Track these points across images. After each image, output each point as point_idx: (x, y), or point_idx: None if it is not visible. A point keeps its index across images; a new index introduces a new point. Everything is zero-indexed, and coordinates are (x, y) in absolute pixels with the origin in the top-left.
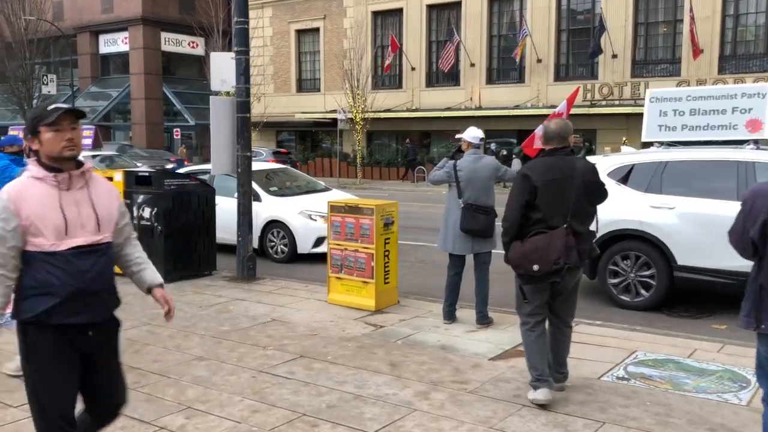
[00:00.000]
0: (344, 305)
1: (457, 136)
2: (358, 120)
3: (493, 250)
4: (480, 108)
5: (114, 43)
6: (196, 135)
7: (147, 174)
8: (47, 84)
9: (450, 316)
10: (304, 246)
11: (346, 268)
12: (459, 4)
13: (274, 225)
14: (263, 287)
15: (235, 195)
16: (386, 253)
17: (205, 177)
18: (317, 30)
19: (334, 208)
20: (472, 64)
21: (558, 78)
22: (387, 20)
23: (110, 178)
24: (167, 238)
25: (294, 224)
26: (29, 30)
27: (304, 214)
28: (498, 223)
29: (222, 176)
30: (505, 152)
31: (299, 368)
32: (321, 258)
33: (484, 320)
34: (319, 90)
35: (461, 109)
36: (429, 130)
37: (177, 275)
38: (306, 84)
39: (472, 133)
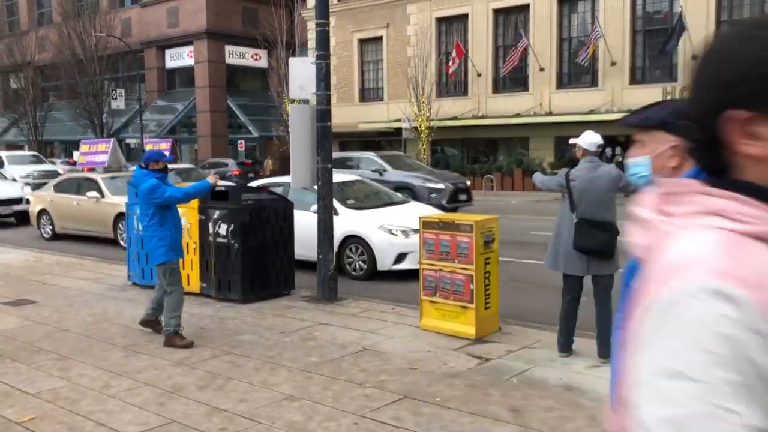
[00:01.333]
0: (439, 332)
1: (572, 141)
2: (423, 128)
3: (615, 272)
4: (550, 114)
5: (179, 57)
6: (260, 147)
7: (223, 188)
8: (116, 98)
9: (566, 348)
10: (384, 263)
11: (441, 291)
12: (527, 6)
13: (352, 240)
14: (347, 309)
15: (312, 209)
16: (487, 275)
17: (279, 190)
18: (380, 38)
19: (426, 224)
20: (542, 69)
21: (633, 81)
22: (452, 26)
23: None
24: (244, 256)
25: (373, 239)
26: (99, 47)
27: (384, 228)
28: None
29: (296, 189)
30: (621, 159)
31: (406, 413)
32: (401, 275)
33: (607, 353)
34: (382, 99)
35: (530, 115)
36: (495, 137)
37: (254, 296)
38: (369, 93)
39: (589, 139)
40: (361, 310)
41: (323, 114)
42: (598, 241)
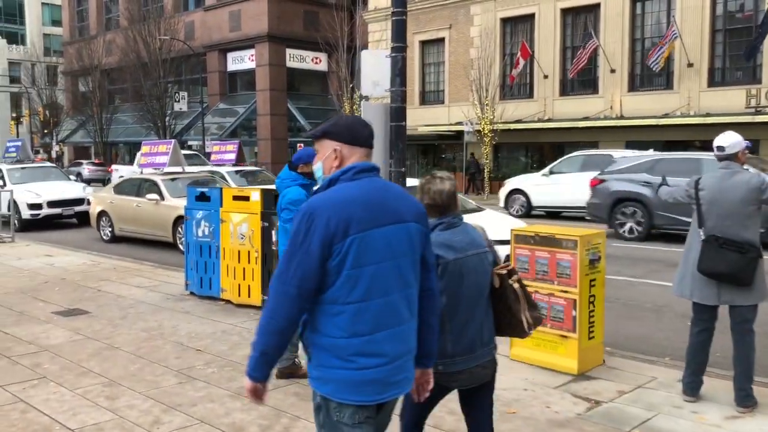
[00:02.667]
0: (533, 364)
1: (716, 143)
2: (486, 132)
3: (759, 303)
4: (621, 117)
5: (241, 61)
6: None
7: None
8: (179, 101)
9: (693, 390)
10: None
11: None
12: (597, 6)
13: None
14: None
15: None
16: (591, 299)
17: None
18: (442, 40)
19: (520, 238)
20: (613, 70)
21: (712, 83)
22: (517, 27)
23: (246, 198)
24: None
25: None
26: (163, 50)
27: None
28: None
29: None
30: None
31: None
32: None
33: (747, 401)
34: (443, 102)
35: (600, 119)
36: (562, 141)
37: None
38: (429, 96)
39: (729, 139)
40: None
41: (398, 112)
42: (728, 263)
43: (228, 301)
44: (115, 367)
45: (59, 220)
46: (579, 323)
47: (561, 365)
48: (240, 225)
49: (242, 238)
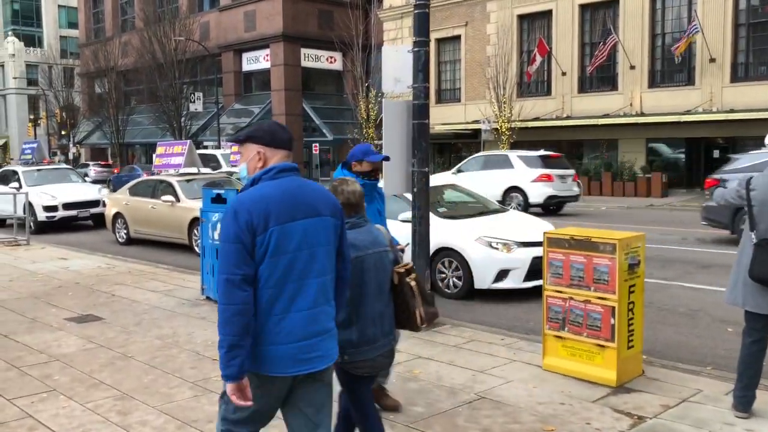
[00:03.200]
0: (568, 375)
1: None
2: (503, 130)
3: None
4: (641, 114)
5: (256, 61)
6: (334, 150)
7: None
8: (194, 102)
9: (745, 405)
10: (482, 280)
11: (572, 324)
12: (616, 1)
13: (445, 253)
14: (447, 338)
15: (400, 217)
16: (630, 306)
17: None
18: (458, 38)
19: (553, 242)
20: (632, 67)
21: (735, 79)
22: (534, 23)
23: None
24: None
25: (470, 253)
26: (178, 51)
27: (483, 241)
28: None
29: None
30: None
31: None
32: (502, 295)
33: None
34: (459, 100)
35: (620, 116)
36: (581, 139)
37: None
38: (445, 95)
39: None
40: (465, 340)
41: (420, 110)
42: None
43: None
44: (128, 378)
45: (75, 222)
46: (618, 332)
47: (598, 376)
48: None
49: None
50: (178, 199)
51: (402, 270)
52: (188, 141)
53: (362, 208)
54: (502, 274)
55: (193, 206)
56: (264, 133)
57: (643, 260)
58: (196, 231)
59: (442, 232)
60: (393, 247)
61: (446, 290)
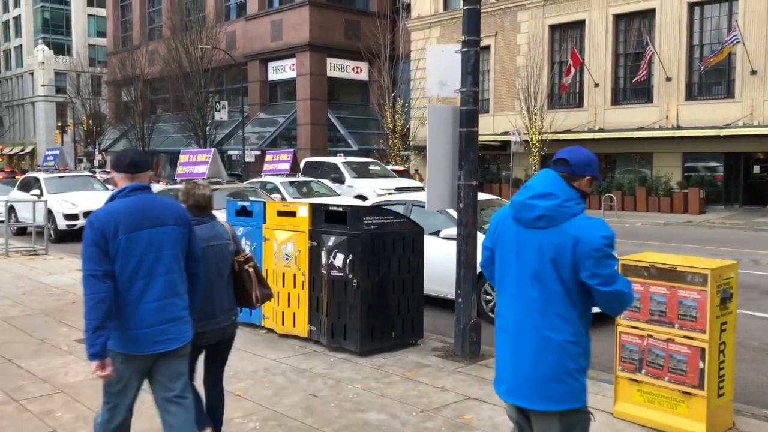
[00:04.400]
0: (645, 425)
1: None
2: (534, 142)
3: None
4: (678, 128)
5: (282, 70)
6: None
7: (340, 209)
8: (219, 110)
9: None
10: None
11: (651, 366)
12: (652, 11)
13: None
14: None
15: (443, 233)
16: (721, 348)
17: (397, 208)
18: (487, 48)
19: (629, 270)
20: (668, 78)
21: None
22: (566, 34)
23: (292, 213)
24: (365, 295)
25: None
26: (204, 59)
27: None
28: None
29: (416, 207)
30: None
31: None
32: None
33: None
34: (487, 111)
35: (655, 129)
36: (614, 153)
37: (376, 346)
38: None
39: None
40: None
41: (469, 116)
42: None
43: (270, 330)
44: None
45: None
46: (708, 378)
47: (683, 429)
48: (285, 244)
49: (287, 259)
50: None
51: (242, 259)
52: (212, 149)
53: (210, 209)
54: None
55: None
56: (114, 161)
57: (735, 293)
58: None
59: None
60: (235, 240)
61: (491, 314)
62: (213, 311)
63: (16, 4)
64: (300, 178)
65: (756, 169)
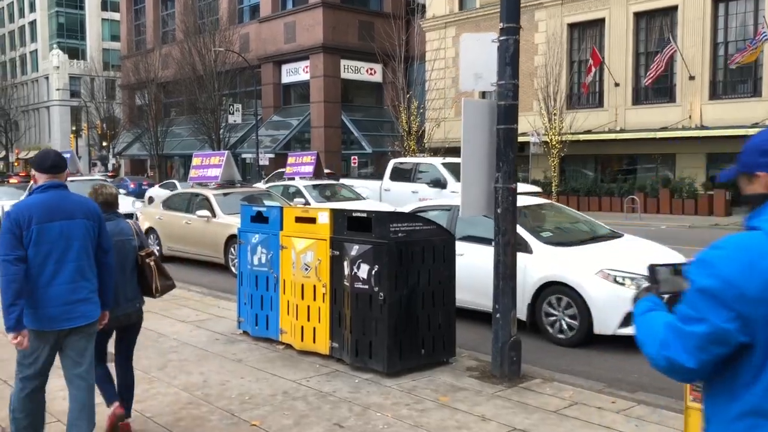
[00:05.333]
0: None
1: None
2: (554, 143)
3: None
4: (702, 127)
5: (295, 73)
6: (372, 163)
7: (364, 215)
8: (233, 113)
9: None
10: (605, 324)
11: None
12: (674, 8)
13: (554, 289)
14: (542, 399)
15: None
16: None
17: (427, 214)
18: None
19: None
20: (692, 77)
21: None
22: (585, 32)
23: (312, 219)
24: (392, 310)
25: (590, 290)
26: (218, 62)
27: (607, 274)
28: None
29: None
30: None
31: None
32: (625, 342)
33: None
34: None
35: (678, 129)
36: (635, 153)
37: (404, 365)
38: None
39: None
40: (565, 402)
41: (508, 112)
42: None
43: (288, 346)
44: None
45: None
46: None
47: None
48: (304, 253)
49: (306, 269)
50: (214, 215)
51: (144, 254)
52: (226, 152)
53: (116, 207)
54: (630, 317)
55: (230, 222)
56: (36, 162)
57: None
58: (233, 249)
59: (551, 262)
60: (139, 236)
61: (558, 335)
62: (117, 299)
63: (32, 9)
64: (324, 181)
65: None
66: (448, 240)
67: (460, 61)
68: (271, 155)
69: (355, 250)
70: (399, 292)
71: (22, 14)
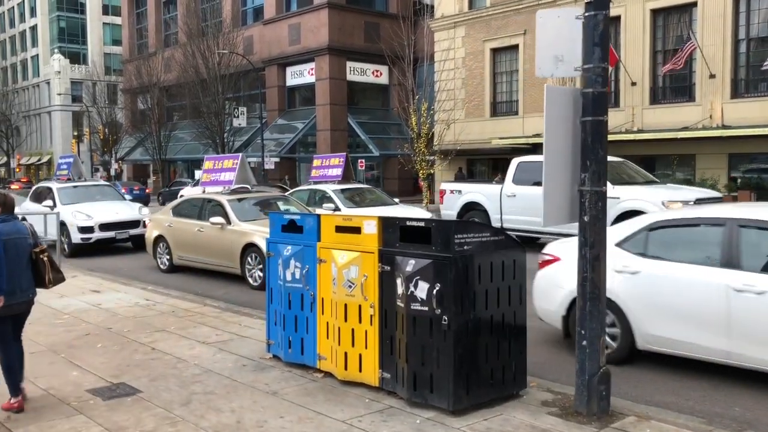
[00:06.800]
0: None
1: None
2: None
3: None
4: (723, 127)
5: (300, 75)
6: (379, 165)
7: (422, 224)
8: (238, 117)
9: None
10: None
11: None
12: (694, 5)
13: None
14: None
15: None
16: None
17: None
18: (516, 47)
19: None
20: (712, 75)
21: None
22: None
23: (356, 229)
24: (459, 337)
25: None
26: (222, 65)
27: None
28: None
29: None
30: None
31: None
32: (681, 364)
33: None
34: (516, 113)
35: (698, 129)
36: (654, 154)
37: (471, 401)
38: (501, 107)
39: None
40: None
41: (596, 102)
42: None
43: (328, 374)
44: None
45: (113, 245)
46: None
47: None
48: (347, 268)
49: (350, 286)
50: (229, 222)
51: (38, 250)
52: (240, 154)
53: (13, 210)
54: None
55: (246, 230)
56: None
57: None
58: (249, 259)
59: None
60: (34, 236)
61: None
62: (13, 290)
63: (32, 14)
64: (353, 185)
65: None
66: (520, 254)
67: (536, 41)
68: (276, 159)
69: (410, 265)
70: (465, 315)
71: (23, 19)
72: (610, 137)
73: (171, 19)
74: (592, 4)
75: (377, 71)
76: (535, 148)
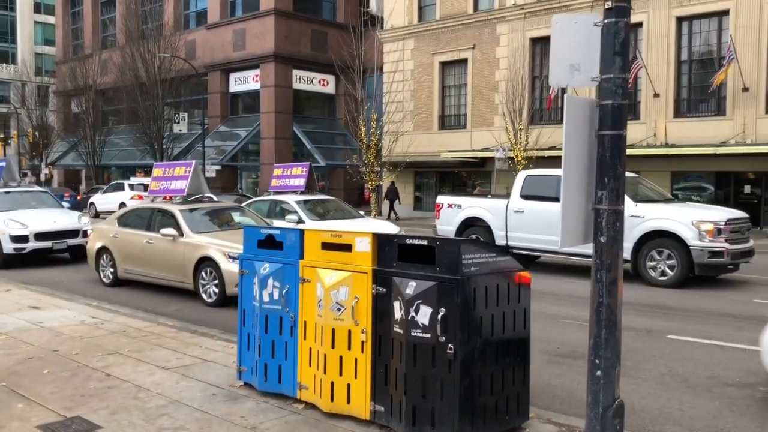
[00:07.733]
0: None
1: None
2: (519, 159)
3: None
4: (667, 145)
5: (244, 82)
6: (325, 176)
7: (424, 242)
8: (178, 122)
9: None
10: None
11: None
12: (639, 25)
13: None
14: None
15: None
16: None
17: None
18: (464, 61)
19: None
20: (656, 95)
21: None
22: (546, 47)
23: (347, 246)
24: (466, 367)
25: None
26: (162, 69)
27: None
28: None
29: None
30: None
31: None
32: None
33: None
34: (464, 127)
35: (643, 147)
36: (685, 171)
37: None
38: (449, 121)
39: None
40: None
41: (615, 114)
42: None
43: (310, 405)
44: None
45: (49, 255)
46: None
47: None
48: (335, 289)
49: (339, 309)
50: (181, 233)
51: None
52: (193, 162)
53: None
54: None
55: (200, 242)
56: None
57: None
58: (204, 274)
59: None
60: None
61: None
62: None
63: None
64: (316, 196)
65: (746, 188)
66: (522, 276)
67: (551, 48)
68: (218, 167)
69: (411, 287)
70: (472, 343)
71: None
72: (559, 153)
73: (109, 20)
74: (613, 11)
75: (324, 80)
76: (484, 163)
